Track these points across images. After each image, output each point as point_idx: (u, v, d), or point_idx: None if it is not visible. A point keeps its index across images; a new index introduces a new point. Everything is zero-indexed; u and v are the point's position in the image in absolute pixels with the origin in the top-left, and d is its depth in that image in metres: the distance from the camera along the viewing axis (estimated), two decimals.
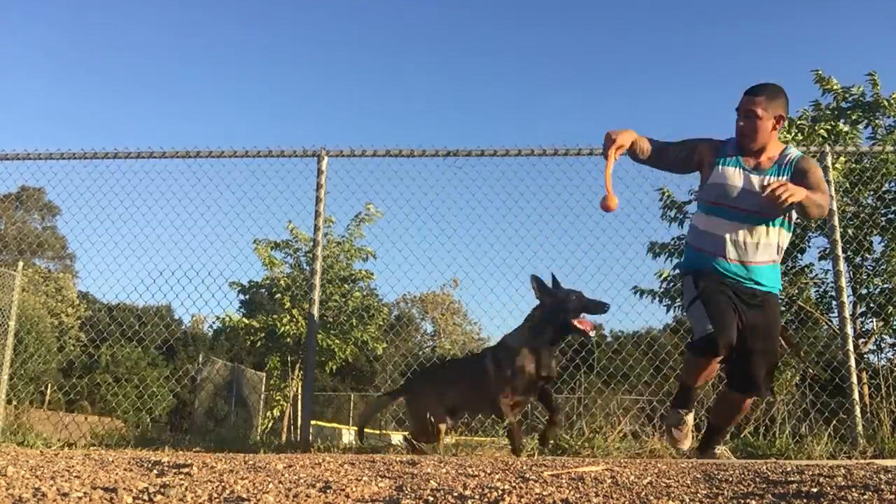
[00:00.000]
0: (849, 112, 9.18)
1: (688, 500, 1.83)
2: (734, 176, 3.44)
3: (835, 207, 5.15)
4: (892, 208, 8.74)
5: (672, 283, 9.39)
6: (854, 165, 8.30)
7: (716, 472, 2.29)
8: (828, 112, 9.25)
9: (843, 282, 5.00)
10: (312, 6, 68.02)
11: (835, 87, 9.37)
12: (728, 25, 64.90)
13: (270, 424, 13.92)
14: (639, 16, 66.14)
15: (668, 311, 9.53)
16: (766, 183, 3.27)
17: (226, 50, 65.21)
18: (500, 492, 1.90)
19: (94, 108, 62.66)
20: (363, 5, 67.91)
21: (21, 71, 58.87)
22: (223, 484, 2.04)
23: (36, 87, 60.49)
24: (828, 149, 5.34)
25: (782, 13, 64.63)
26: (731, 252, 3.43)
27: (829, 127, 8.95)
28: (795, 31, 64.95)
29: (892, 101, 9.03)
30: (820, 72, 9.50)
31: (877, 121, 9.19)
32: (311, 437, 4.89)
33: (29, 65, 59.30)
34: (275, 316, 13.28)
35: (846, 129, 8.92)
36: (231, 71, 65.71)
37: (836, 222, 5.08)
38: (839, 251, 5.05)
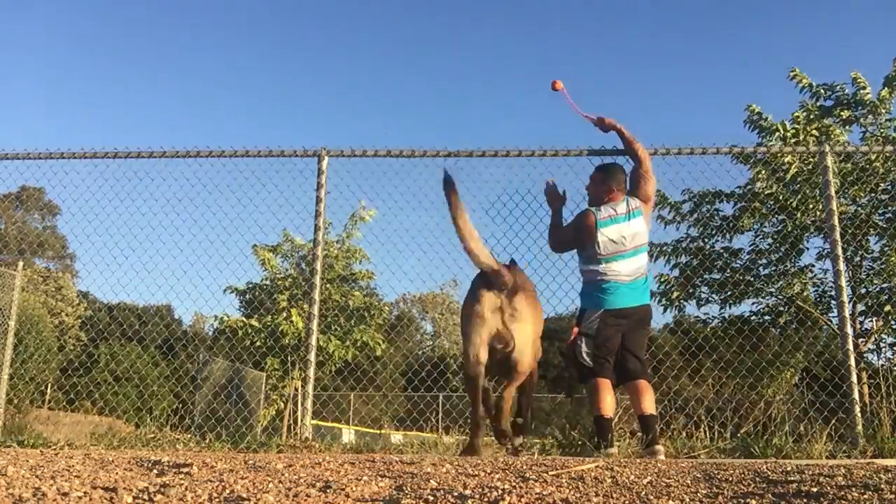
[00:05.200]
0: (840, 111, 9.17)
1: (688, 500, 1.83)
2: None
3: (834, 207, 5.14)
4: (891, 208, 8.74)
5: (671, 285, 9.40)
6: (850, 167, 8.29)
7: (716, 472, 2.29)
8: (815, 110, 9.23)
9: (843, 281, 4.99)
10: (313, 6, 68.05)
11: (809, 82, 9.34)
12: (723, 25, 64.95)
13: (270, 424, 13.93)
14: (633, 17, 66.15)
15: (664, 311, 9.54)
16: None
17: (226, 50, 65.26)
18: (500, 491, 1.90)
19: (95, 107, 62.72)
20: (364, 5, 67.94)
21: (21, 70, 58.89)
22: (223, 483, 2.04)
23: (36, 87, 60.52)
24: (827, 149, 5.34)
25: (771, 13, 64.68)
26: None
27: (821, 127, 8.94)
28: (785, 31, 64.96)
29: (882, 100, 9.01)
30: (796, 70, 9.50)
31: (867, 120, 9.16)
32: (311, 437, 4.88)
33: (29, 64, 59.32)
34: (274, 316, 13.30)
35: (837, 130, 8.91)
36: (231, 71, 65.77)
37: (836, 222, 5.07)
38: (839, 251, 5.04)
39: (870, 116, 9.14)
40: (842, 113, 9.13)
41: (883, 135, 8.99)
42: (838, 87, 9.32)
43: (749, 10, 65.48)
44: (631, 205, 4.31)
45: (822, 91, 9.36)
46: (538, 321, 3.66)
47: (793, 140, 8.81)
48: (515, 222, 5.19)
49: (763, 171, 8.63)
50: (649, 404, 4.04)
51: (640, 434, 4.19)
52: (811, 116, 9.16)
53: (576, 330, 4.18)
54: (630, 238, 4.22)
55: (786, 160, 8.17)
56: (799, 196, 8.46)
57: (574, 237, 4.35)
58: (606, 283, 4.17)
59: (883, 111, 9.06)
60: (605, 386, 4.04)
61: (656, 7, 66.48)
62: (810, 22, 65.21)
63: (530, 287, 3.73)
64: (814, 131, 8.93)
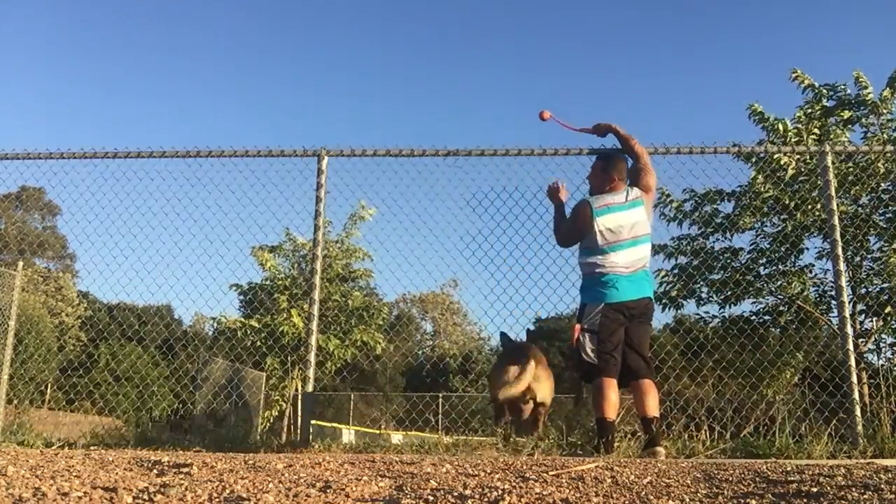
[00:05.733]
0: (839, 112, 9.14)
1: (688, 500, 1.83)
2: None
3: (834, 207, 5.14)
4: (891, 208, 8.73)
5: (672, 284, 9.39)
6: (851, 167, 8.27)
7: (716, 472, 2.29)
8: (817, 109, 9.21)
9: (843, 281, 4.98)
10: (313, 6, 68.05)
11: (811, 82, 9.32)
12: (723, 25, 64.94)
13: (269, 424, 13.93)
14: (634, 16, 66.15)
15: (664, 310, 9.51)
16: None
17: (226, 50, 65.26)
18: (500, 491, 1.90)
19: (95, 107, 62.70)
20: (364, 5, 67.95)
21: (22, 70, 58.87)
22: (223, 483, 2.04)
23: (36, 87, 60.50)
24: (827, 148, 5.33)
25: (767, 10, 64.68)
26: None
27: (822, 126, 8.91)
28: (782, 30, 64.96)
29: (883, 100, 8.99)
30: (798, 71, 9.47)
31: (868, 120, 9.13)
32: (311, 437, 4.88)
33: (29, 64, 59.30)
34: (274, 316, 13.30)
35: (838, 130, 8.88)
36: (231, 71, 65.76)
37: (836, 222, 5.06)
38: (839, 251, 5.03)
39: (871, 116, 9.12)
40: (843, 113, 9.11)
41: (885, 135, 8.97)
42: (840, 88, 9.30)
43: (751, 8, 65.49)
44: (631, 194, 4.28)
45: (823, 91, 9.34)
46: (551, 383, 4.11)
47: (794, 140, 8.80)
48: (515, 220, 5.19)
49: (760, 175, 8.63)
50: (653, 406, 3.96)
51: (640, 434, 4.17)
52: (812, 115, 9.14)
53: (578, 327, 4.11)
54: (629, 227, 4.17)
55: (783, 161, 8.16)
56: (798, 196, 8.45)
57: (572, 228, 4.33)
58: (606, 276, 4.11)
59: (885, 111, 9.04)
60: (611, 386, 3.95)
61: (658, 5, 66.51)
62: (811, 21, 65.24)
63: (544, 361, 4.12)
64: (815, 130, 8.91)
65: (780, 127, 8.96)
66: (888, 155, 7.86)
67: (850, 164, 8.33)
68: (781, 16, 65.02)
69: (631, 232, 4.18)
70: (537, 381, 3.95)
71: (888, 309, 8.55)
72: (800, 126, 9.01)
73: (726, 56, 65.54)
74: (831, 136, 8.74)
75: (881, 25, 60.32)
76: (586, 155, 5.13)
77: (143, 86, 63.15)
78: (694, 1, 66.43)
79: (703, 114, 61.70)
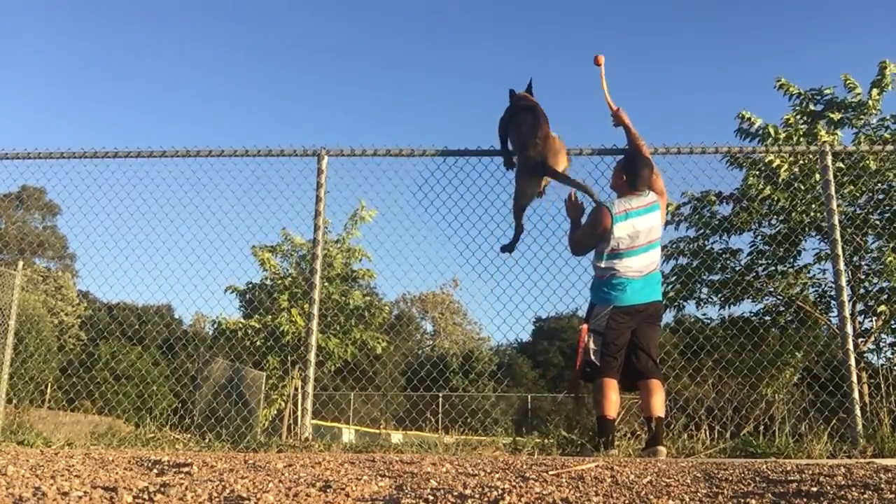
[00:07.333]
0: (829, 114, 9.13)
1: (688, 499, 1.83)
2: None
3: (834, 207, 5.13)
4: (889, 207, 8.72)
5: (671, 284, 9.39)
6: (844, 167, 8.27)
7: (716, 471, 2.29)
8: (799, 113, 9.22)
9: (843, 281, 4.98)
10: (312, 5, 68.06)
11: (798, 91, 9.33)
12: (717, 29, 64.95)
13: (270, 423, 13.93)
14: (633, 19, 66.16)
15: (663, 310, 9.48)
16: None
17: (226, 50, 65.26)
18: (500, 491, 1.90)
19: (95, 107, 62.72)
20: (363, 5, 67.95)
21: (22, 70, 58.89)
22: (223, 483, 2.04)
23: (37, 87, 60.51)
24: (827, 148, 5.33)
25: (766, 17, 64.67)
26: None
27: (809, 131, 8.92)
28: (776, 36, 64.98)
29: (873, 101, 8.98)
30: (782, 79, 9.48)
31: (859, 121, 9.13)
32: (311, 437, 4.88)
33: (30, 64, 59.33)
34: (274, 316, 13.31)
35: (822, 131, 8.86)
36: (231, 71, 65.76)
37: (836, 222, 5.06)
38: (839, 251, 5.03)
39: (862, 117, 9.14)
40: (833, 115, 9.11)
41: (877, 135, 8.98)
42: (827, 91, 9.30)
43: (744, 12, 65.50)
44: (648, 199, 4.27)
45: (810, 96, 9.35)
46: None
47: (785, 145, 8.81)
48: None
49: (753, 178, 8.63)
50: (659, 405, 3.98)
51: (641, 433, 4.17)
52: (799, 120, 9.16)
53: (585, 327, 4.14)
54: (645, 233, 4.17)
55: (775, 164, 8.17)
56: (794, 197, 8.44)
57: (591, 234, 4.28)
58: (617, 279, 4.11)
59: (874, 112, 9.05)
60: (611, 386, 3.99)
61: (659, 7, 66.54)
62: (805, 23, 65.26)
63: None
64: (801, 131, 8.92)
65: (771, 130, 8.95)
66: (880, 154, 7.86)
67: (848, 164, 8.32)
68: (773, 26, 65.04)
69: (647, 237, 4.18)
70: None
71: (882, 307, 8.55)
72: (789, 129, 9.02)
73: (721, 69, 65.55)
74: (817, 139, 8.73)
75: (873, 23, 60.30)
76: (587, 155, 5.13)
77: (144, 86, 63.17)
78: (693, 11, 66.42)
79: (697, 128, 61.68)
